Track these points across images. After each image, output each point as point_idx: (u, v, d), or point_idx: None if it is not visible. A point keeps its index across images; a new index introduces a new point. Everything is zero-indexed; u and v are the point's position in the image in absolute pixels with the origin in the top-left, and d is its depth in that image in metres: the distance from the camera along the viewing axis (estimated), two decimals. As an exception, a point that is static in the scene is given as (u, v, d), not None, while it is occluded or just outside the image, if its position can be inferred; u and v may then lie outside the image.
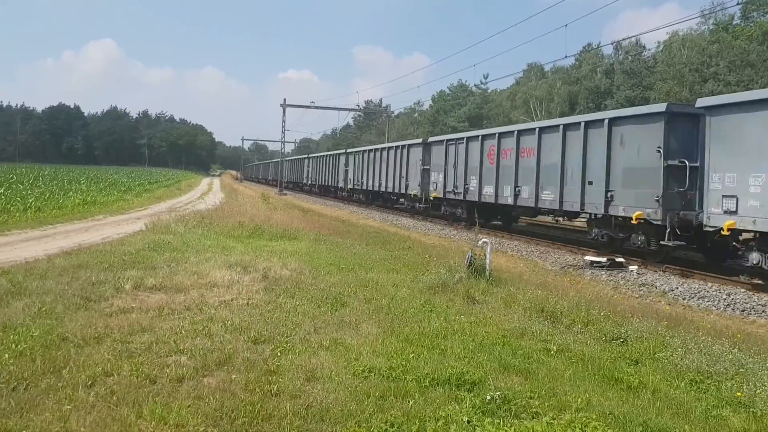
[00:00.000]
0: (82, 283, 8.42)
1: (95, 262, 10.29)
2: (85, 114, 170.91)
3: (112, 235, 15.59)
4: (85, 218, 21.61)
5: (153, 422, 4.15)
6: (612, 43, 60.16)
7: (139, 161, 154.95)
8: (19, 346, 5.50)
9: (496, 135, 21.38)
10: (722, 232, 11.84)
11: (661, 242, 13.85)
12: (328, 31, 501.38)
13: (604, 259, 14.85)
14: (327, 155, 52.16)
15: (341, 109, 64.18)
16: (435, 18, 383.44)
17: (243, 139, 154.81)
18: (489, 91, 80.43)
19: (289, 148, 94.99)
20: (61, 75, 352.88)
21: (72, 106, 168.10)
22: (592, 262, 14.87)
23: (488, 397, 4.76)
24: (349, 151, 44.01)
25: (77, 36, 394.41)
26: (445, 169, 25.33)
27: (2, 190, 29.47)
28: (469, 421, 4.35)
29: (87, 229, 18.00)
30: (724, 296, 11.28)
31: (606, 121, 15.59)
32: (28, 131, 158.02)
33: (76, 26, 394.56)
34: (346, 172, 42.75)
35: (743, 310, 10.46)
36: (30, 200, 25.22)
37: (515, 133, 20.13)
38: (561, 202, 17.45)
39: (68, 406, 4.32)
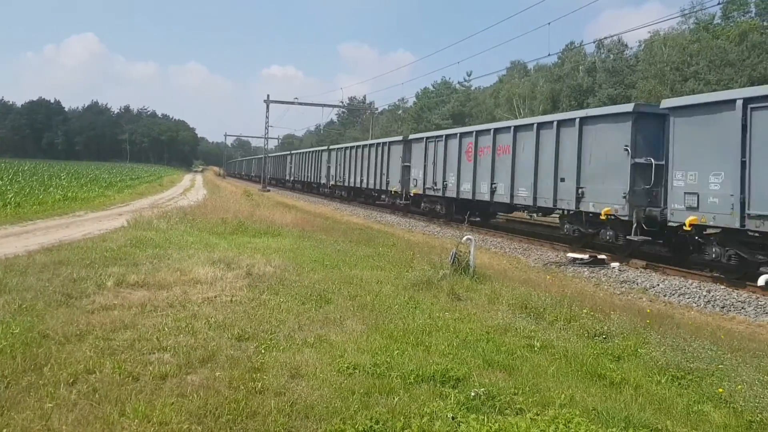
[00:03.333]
0: (63, 280, 8.33)
1: (76, 258, 10.19)
2: (66, 109, 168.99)
3: (94, 232, 15.43)
4: (66, 214, 21.35)
5: (136, 420, 4.12)
6: (594, 42, 60.62)
7: (121, 157, 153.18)
8: (-1, 344, 5.43)
9: (474, 133, 21.98)
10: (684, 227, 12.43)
11: (628, 237, 14.42)
12: (313, 27, 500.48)
13: (586, 256, 14.97)
14: (309, 152, 52.35)
15: (325, 105, 63.96)
16: (420, 15, 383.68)
17: (226, 135, 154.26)
18: (472, 88, 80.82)
19: (272, 144, 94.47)
20: (41, 69, 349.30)
21: (52, 101, 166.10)
22: (574, 259, 14.98)
23: (472, 394, 4.79)
24: (331, 147, 44.14)
25: (58, 29, 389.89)
26: (425, 166, 25.82)
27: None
28: (453, 418, 4.37)
29: (68, 225, 17.79)
30: (704, 293, 11.42)
31: (577, 120, 16.16)
32: (7, 126, 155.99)
33: (57, 19, 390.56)
34: (329, 168, 42.94)
35: (723, 307, 10.59)
36: (9, 196, 24.89)
37: (492, 131, 20.67)
38: (535, 199, 17.98)
39: (50, 404, 4.28)
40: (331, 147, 44.29)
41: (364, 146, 35.54)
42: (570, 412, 4.55)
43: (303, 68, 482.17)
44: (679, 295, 11.43)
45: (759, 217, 10.96)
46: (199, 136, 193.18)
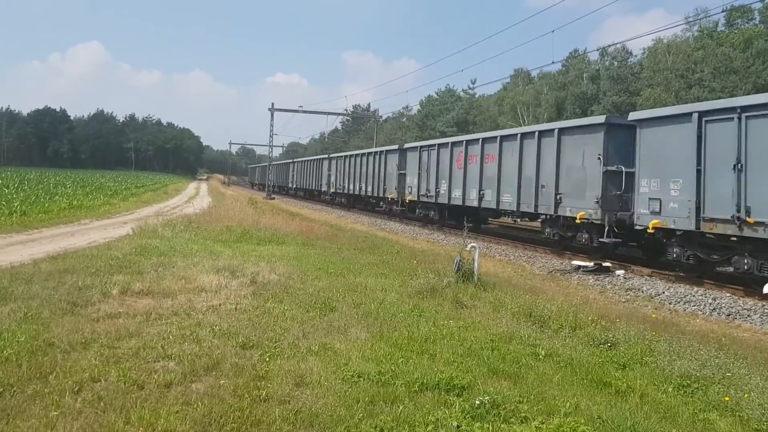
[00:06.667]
0: (68, 288, 8.35)
1: (82, 266, 10.21)
2: (72, 117, 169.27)
3: (99, 240, 15.48)
4: (72, 222, 21.43)
5: (141, 428, 4.12)
6: (598, 50, 60.60)
7: (126, 165, 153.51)
8: (4, 352, 5.44)
9: (464, 142, 23.22)
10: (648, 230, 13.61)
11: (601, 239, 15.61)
12: (318, 36, 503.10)
13: (591, 264, 14.93)
14: (311, 160, 54.00)
15: (329, 113, 64.15)
16: (424, 23, 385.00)
17: (230, 143, 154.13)
18: (477, 96, 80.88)
19: (277, 152, 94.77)
20: (47, 78, 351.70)
21: (58, 110, 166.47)
22: (579, 267, 14.94)
23: (477, 402, 4.77)
24: (331, 156, 45.50)
25: (64, 38, 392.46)
26: (419, 173, 27.07)
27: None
28: (458, 426, 4.35)
29: (73, 233, 17.86)
30: (710, 300, 11.38)
31: (556, 131, 17.44)
32: (13, 135, 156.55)
33: (63, 29, 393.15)
34: (329, 176, 44.22)
35: (729, 315, 10.55)
36: (15, 204, 24.98)
37: (480, 140, 21.88)
38: (518, 204, 19.16)
39: (55, 413, 4.28)
40: (332, 155, 45.69)
41: (362, 155, 36.70)
42: (575, 421, 4.53)
43: (307, 76, 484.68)
44: (684, 303, 11.39)
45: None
46: (203, 144, 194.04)
